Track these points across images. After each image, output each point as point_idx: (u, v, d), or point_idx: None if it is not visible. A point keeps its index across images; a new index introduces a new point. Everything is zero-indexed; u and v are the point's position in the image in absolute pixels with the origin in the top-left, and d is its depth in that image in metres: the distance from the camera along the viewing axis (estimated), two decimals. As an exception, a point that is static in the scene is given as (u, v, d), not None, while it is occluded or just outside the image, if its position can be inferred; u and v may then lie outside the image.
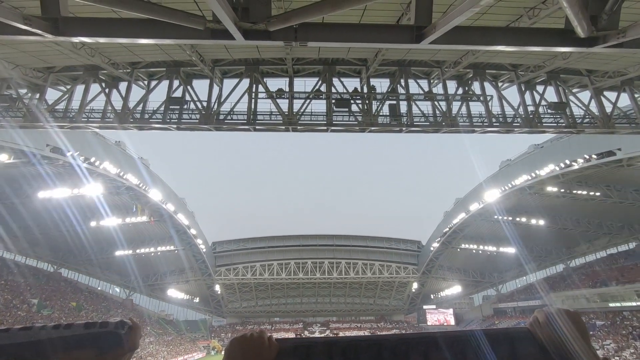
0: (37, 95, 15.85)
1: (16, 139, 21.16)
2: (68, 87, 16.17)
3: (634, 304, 32.87)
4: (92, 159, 26.23)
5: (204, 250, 44.99)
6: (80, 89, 16.08)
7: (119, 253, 41.13)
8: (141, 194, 33.35)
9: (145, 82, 16.73)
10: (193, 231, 41.67)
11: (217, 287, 49.40)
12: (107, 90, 16.14)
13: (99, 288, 45.24)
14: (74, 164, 25.31)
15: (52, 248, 38.90)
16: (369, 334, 1.07)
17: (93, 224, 36.04)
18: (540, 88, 16.65)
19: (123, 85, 16.35)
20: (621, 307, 33.80)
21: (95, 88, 16.24)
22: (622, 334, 31.35)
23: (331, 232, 52.74)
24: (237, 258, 49.88)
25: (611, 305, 34.36)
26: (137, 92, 16.38)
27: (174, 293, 49.27)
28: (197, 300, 52.11)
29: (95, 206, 32.52)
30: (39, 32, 7.14)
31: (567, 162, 27.78)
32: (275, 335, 0.97)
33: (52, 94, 16.26)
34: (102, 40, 8.15)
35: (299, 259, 49.17)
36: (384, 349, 0.93)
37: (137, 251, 42.01)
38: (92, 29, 7.68)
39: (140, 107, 15.89)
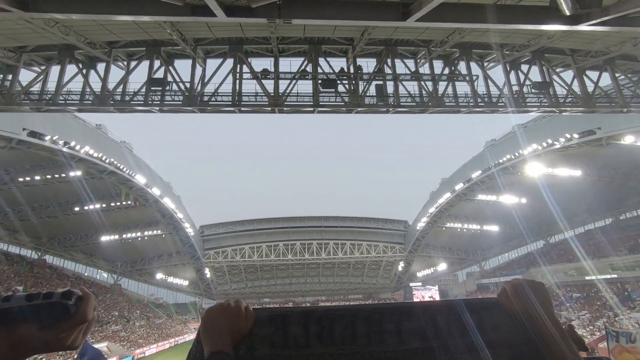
0: (10, 77, 15.14)
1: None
2: (42, 67, 15.48)
3: (607, 276, 34.50)
4: (73, 143, 25.44)
5: (192, 234, 44.79)
6: (55, 70, 15.39)
7: (104, 238, 40.59)
8: (125, 178, 32.70)
9: (125, 63, 16.13)
10: (180, 215, 41.32)
11: (206, 270, 49.55)
12: (84, 71, 15.53)
13: (85, 274, 44.76)
14: (53, 148, 24.54)
15: (33, 235, 38.06)
16: (345, 304, 1.10)
17: (77, 209, 35.33)
18: (525, 68, 16.78)
19: (101, 66, 15.75)
20: (596, 279, 35.45)
21: (71, 69, 15.57)
22: (596, 305, 32.99)
23: (320, 213, 53.11)
24: (226, 241, 49.91)
25: (587, 278, 35.97)
26: (116, 73, 15.83)
27: (162, 277, 49.22)
28: (186, 283, 52.23)
29: (78, 192, 31.80)
30: (6, 7, 6.75)
31: (550, 141, 28.39)
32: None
33: (25, 75, 15.58)
34: (75, 16, 7.76)
35: (288, 240, 49.55)
36: (358, 318, 0.95)
37: (124, 236, 41.54)
38: (64, 5, 7.30)
39: (120, 89, 15.36)
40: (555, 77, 16.73)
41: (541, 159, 31.22)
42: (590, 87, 16.69)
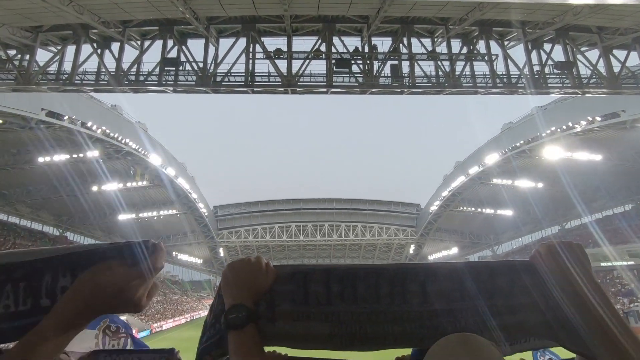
0: (27, 57, 15.32)
1: (11, 102, 20.76)
2: (58, 47, 15.59)
3: (624, 263, 33.88)
4: (89, 123, 25.89)
5: (206, 214, 45.66)
6: (71, 49, 15.51)
7: (121, 217, 41.74)
8: (140, 158, 33.27)
9: (138, 43, 16.11)
10: (194, 195, 42.04)
11: (220, 250, 50.69)
12: (99, 51, 15.58)
13: (104, 251, 46.35)
14: (71, 128, 25.03)
15: (55, 212, 39.41)
16: (368, 264, 1.08)
17: (94, 188, 36.26)
18: (547, 47, 16.08)
19: (115, 46, 15.75)
20: (612, 266, 34.85)
21: (86, 49, 15.67)
22: (611, 291, 32.59)
23: (331, 196, 53.30)
24: (239, 221, 50.75)
25: (602, 264, 35.38)
26: (130, 53, 15.85)
27: (177, 255, 50.63)
28: (200, 261, 53.66)
29: (96, 171, 32.54)
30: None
31: (570, 124, 27.47)
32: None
33: (42, 56, 15.74)
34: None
35: (300, 222, 50.06)
36: (382, 278, 0.92)
37: (140, 215, 42.62)
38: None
39: (134, 69, 15.41)
40: (579, 56, 16.01)
41: (560, 142, 30.31)
42: (616, 67, 15.93)
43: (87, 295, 0.70)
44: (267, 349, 0.93)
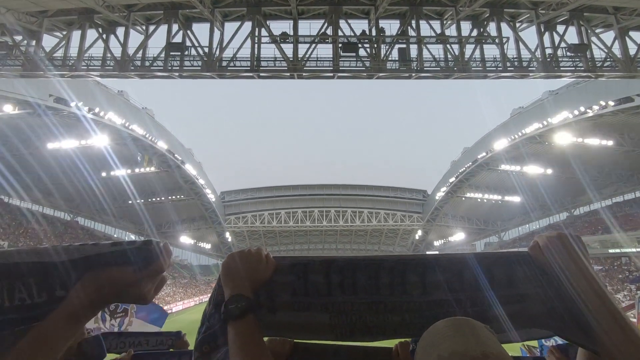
0: (34, 42, 15.33)
1: (20, 89, 20.90)
2: (64, 33, 15.56)
3: (633, 250, 33.61)
4: (97, 109, 26.02)
5: (213, 199, 46.07)
6: (77, 35, 15.47)
7: (131, 202, 42.32)
8: (148, 144, 33.47)
9: (143, 27, 15.99)
10: (201, 181, 42.36)
11: (227, 235, 51.31)
12: (104, 36, 15.53)
13: (115, 235, 47.21)
14: (79, 115, 25.18)
15: (65, 198, 40.04)
16: (368, 255, 1.07)
17: (103, 174, 36.69)
18: (560, 29, 15.61)
19: (120, 31, 15.67)
20: (620, 252, 34.62)
21: (92, 34, 15.61)
22: (618, 277, 32.46)
23: (338, 182, 53.32)
24: (246, 207, 51.16)
25: (610, 251, 35.15)
26: (135, 39, 15.76)
27: (186, 240, 51.39)
28: (208, 246, 54.44)
29: (104, 157, 32.86)
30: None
31: (582, 109, 26.87)
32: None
33: (48, 41, 15.73)
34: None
35: (306, 207, 50.30)
36: (382, 269, 0.92)
37: (149, 200, 43.16)
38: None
39: (140, 54, 15.36)
40: (593, 38, 15.52)
41: (571, 127, 29.72)
42: (632, 49, 15.43)
43: (95, 292, 0.71)
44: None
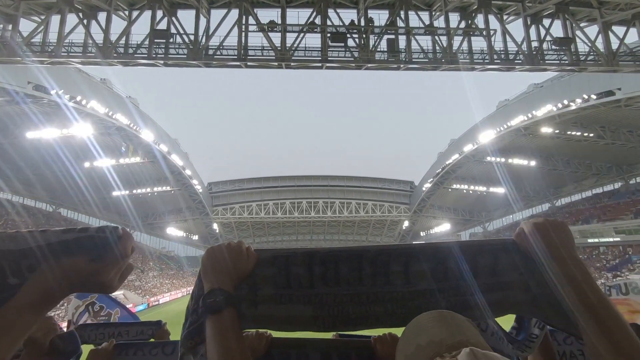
0: (10, 27, 14.69)
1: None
2: (42, 17, 14.95)
3: (610, 239, 34.84)
4: (78, 98, 25.25)
5: (200, 190, 45.59)
6: (56, 19, 14.87)
7: (116, 193, 41.55)
8: (132, 134, 32.76)
9: (126, 13, 15.48)
10: (188, 172, 41.82)
11: (215, 226, 51.01)
12: (85, 22, 14.97)
13: (99, 227, 46.40)
14: (60, 103, 24.41)
15: (47, 189, 39.06)
16: (350, 246, 1.06)
17: (87, 165, 35.84)
18: (546, 22, 15.79)
19: (102, 17, 15.14)
20: (599, 242, 35.85)
21: (72, 19, 15.02)
22: (596, 266, 33.64)
23: (326, 173, 53.42)
24: (234, 198, 50.86)
25: (590, 241, 36.37)
26: (118, 25, 15.26)
27: (173, 231, 50.92)
28: (196, 237, 54.08)
29: (87, 147, 32.05)
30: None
31: (565, 102, 27.42)
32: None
33: (26, 26, 15.10)
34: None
35: (294, 198, 50.34)
36: (364, 260, 0.92)
37: (134, 191, 42.44)
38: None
39: (123, 41, 14.89)
40: (578, 32, 15.77)
41: (555, 120, 30.35)
42: (614, 44, 15.74)
43: (53, 282, 0.69)
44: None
